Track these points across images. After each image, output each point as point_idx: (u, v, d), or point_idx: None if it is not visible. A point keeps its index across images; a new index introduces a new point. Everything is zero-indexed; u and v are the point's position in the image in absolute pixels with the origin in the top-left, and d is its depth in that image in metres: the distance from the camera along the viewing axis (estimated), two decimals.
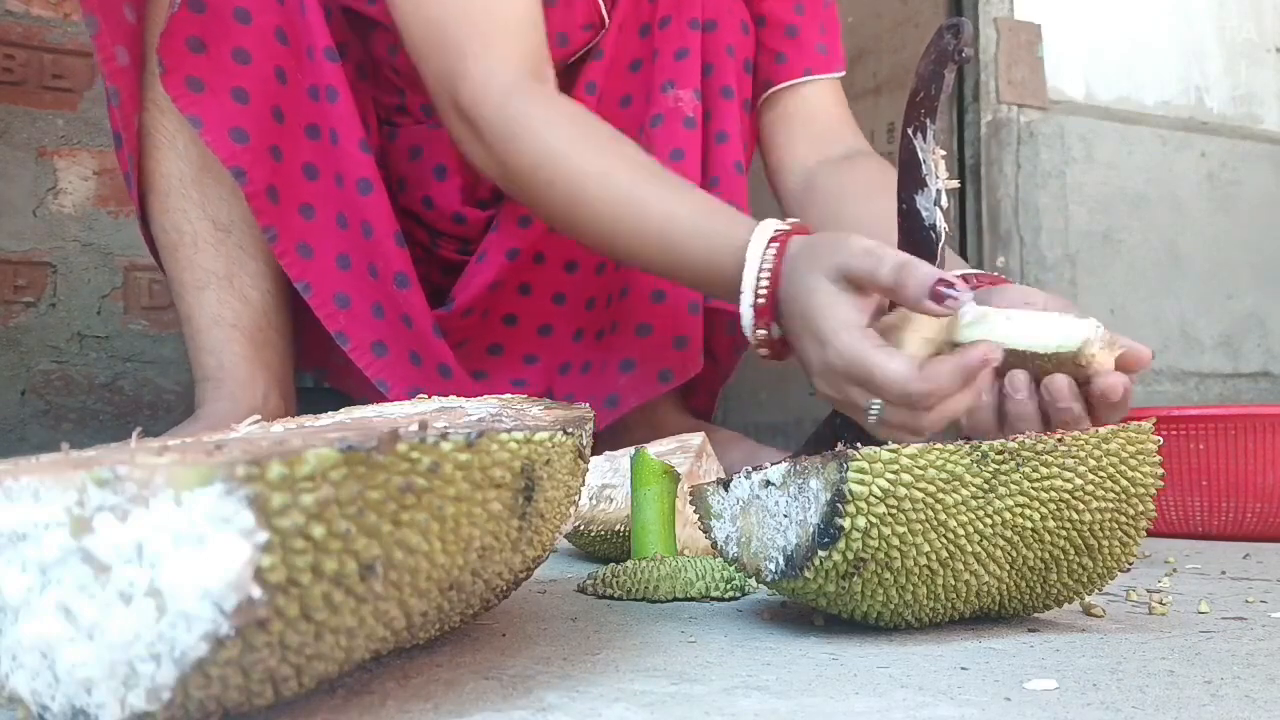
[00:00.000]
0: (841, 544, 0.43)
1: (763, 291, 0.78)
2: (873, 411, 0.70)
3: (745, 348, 1.05)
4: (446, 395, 1.04)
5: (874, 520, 0.43)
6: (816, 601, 0.47)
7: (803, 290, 0.74)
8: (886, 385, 0.68)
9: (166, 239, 1.03)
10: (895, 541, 0.43)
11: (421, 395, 0.57)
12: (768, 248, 0.79)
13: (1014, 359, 0.69)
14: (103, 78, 1.00)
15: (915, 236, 0.86)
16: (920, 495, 0.43)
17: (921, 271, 0.68)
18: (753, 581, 0.59)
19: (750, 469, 0.49)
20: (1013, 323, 0.69)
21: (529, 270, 1.12)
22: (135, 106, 1.01)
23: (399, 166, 1.13)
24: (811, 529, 0.44)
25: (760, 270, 0.79)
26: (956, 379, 0.67)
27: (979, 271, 0.83)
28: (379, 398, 1.05)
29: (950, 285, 0.67)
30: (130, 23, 0.99)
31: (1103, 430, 0.47)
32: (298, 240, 1.00)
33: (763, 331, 0.80)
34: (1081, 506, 0.46)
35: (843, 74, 1.19)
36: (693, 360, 1.12)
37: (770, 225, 0.81)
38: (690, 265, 0.86)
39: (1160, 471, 0.48)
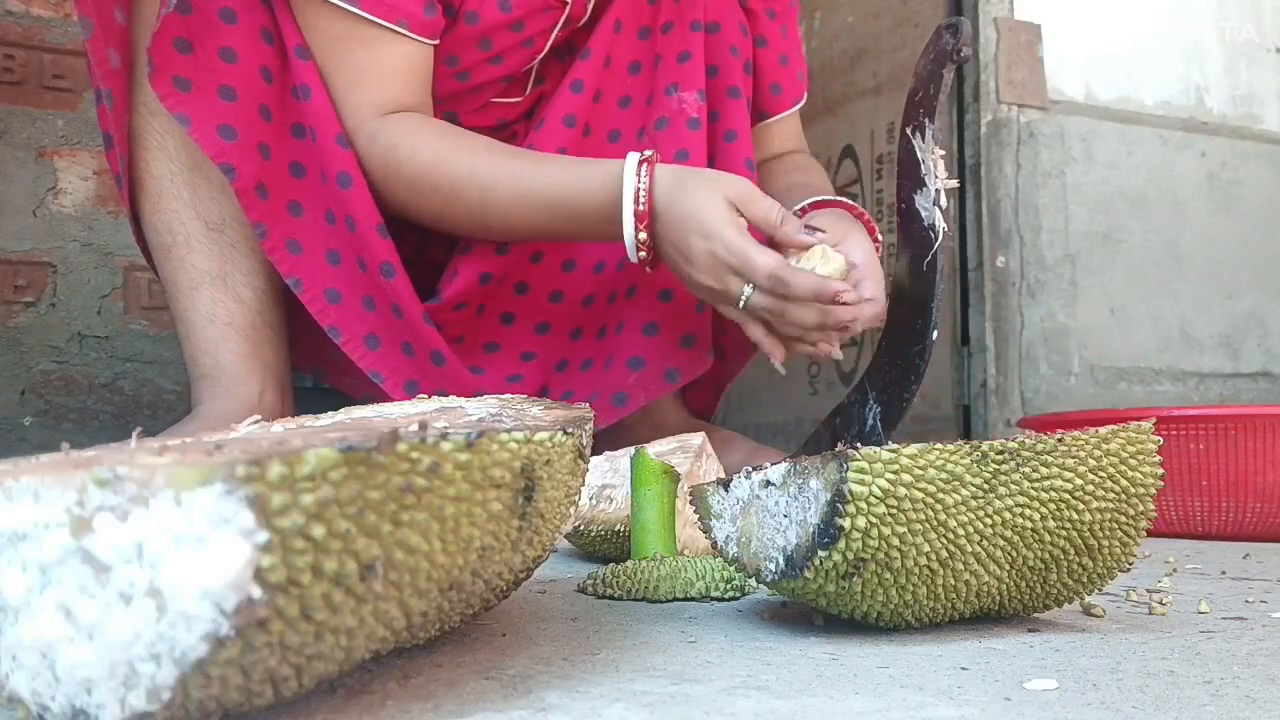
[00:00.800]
0: (841, 544, 0.43)
1: (643, 199, 0.95)
2: (744, 295, 0.93)
3: (755, 349, 1.07)
4: (441, 385, 1.04)
5: (874, 520, 0.43)
6: (816, 601, 0.47)
7: (693, 200, 0.94)
8: (758, 268, 0.91)
9: (159, 239, 1.03)
10: (895, 541, 0.43)
11: (422, 395, 0.57)
12: (640, 166, 0.96)
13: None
14: (94, 80, 1.00)
15: (914, 235, 0.86)
16: (920, 495, 0.43)
17: (795, 221, 0.96)
18: (753, 581, 0.59)
19: (750, 469, 0.49)
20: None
21: (525, 269, 1.12)
22: (126, 108, 1.01)
23: None
24: (811, 529, 0.44)
25: (639, 183, 0.95)
26: (809, 291, 0.91)
27: (826, 199, 1.10)
28: (377, 395, 1.05)
29: (812, 230, 0.95)
30: (121, 25, 1.00)
31: (1103, 430, 0.47)
32: (287, 237, 1.01)
33: (643, 235, 0.96)
34: (1081, 506, 0.46)
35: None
36: (700, 359, 1.13)
37: (635, 155, 0.97)
38: (576, 210, 0.99)
39: (1160, 471, 0.48)
